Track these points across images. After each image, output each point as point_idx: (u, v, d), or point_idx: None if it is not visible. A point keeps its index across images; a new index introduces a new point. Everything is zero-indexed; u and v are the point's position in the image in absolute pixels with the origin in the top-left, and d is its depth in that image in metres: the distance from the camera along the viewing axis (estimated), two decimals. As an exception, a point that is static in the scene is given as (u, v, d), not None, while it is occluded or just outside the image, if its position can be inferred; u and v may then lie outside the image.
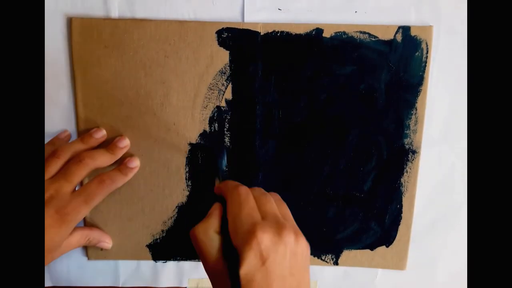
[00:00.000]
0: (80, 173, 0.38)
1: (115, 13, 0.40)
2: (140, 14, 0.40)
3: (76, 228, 0.41)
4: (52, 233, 0.36)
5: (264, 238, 0.31)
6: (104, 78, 0.41)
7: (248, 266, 0.31)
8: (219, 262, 0.33)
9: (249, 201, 0.34)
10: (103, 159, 0.40)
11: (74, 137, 0.42)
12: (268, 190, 0.43)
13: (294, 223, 0.35)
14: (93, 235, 0.43)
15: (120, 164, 0.42)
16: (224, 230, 0.34)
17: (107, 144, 0.41)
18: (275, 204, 0.35)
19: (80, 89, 0.41)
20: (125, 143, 0.42)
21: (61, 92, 0.41)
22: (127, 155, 0.42)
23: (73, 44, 0.40)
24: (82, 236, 0.41)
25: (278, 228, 0.32)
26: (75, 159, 0.38)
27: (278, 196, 0.37)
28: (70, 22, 0.40)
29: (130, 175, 0.42)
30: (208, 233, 0.34)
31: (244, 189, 0.35)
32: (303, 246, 0.33)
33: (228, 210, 0.34)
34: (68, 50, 0.41)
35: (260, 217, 0.33)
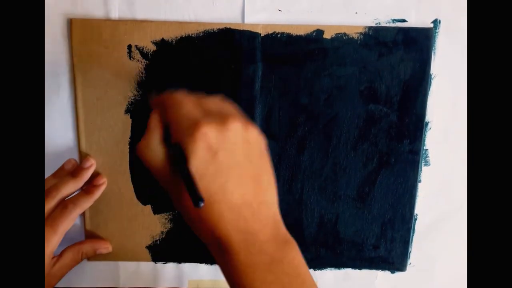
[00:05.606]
0: (48, 206, 0.39)
1: (115, 14, 0.40)
2: (140, 15, 0.40)
3: (66, 248, 0.41)
4: None
5: (209, 129, 0.29)
6: (104, 78, 0.41)
7: (197, 160, 0.29)
8: (169, 170, 0.31)
9: (188, 100, 0.32)
10: (68, 189, 0.40)
11: (74, 138, 0.42)
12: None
13: (242, 116, 0.33)
14: (86, 248, 0.43)
15: (87, 184, 0.42)
16: (167, 137, 0.32)
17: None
18: (220, 102, 0.33)
19: (80, 89, 0.41)
20: (89, 163, 0.42)
21: (61, 92, 0.41)
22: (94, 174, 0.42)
23: (73, 45, 0.40)
24: (74, 253, 0.41)
25: (222, 118, 0.30)
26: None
27: (221, 96, 0.35)
28: (70, 23, 0.40)
29: (97, 193, 0.42)
30: (151, 146, 0.32)
31: (181, 92, 0.33)
32: (255, 134, 0.32)
33: (168, 115, 0.32)
34: (68, 50, 0.41)
35: (202, 114, 0.31)
